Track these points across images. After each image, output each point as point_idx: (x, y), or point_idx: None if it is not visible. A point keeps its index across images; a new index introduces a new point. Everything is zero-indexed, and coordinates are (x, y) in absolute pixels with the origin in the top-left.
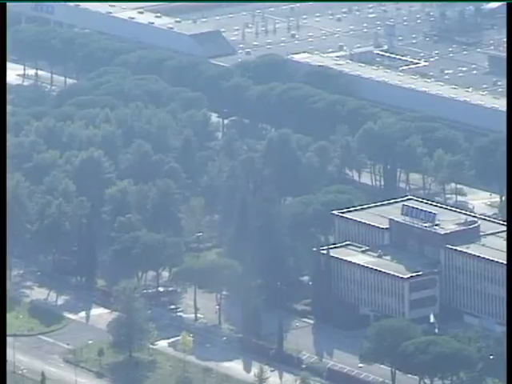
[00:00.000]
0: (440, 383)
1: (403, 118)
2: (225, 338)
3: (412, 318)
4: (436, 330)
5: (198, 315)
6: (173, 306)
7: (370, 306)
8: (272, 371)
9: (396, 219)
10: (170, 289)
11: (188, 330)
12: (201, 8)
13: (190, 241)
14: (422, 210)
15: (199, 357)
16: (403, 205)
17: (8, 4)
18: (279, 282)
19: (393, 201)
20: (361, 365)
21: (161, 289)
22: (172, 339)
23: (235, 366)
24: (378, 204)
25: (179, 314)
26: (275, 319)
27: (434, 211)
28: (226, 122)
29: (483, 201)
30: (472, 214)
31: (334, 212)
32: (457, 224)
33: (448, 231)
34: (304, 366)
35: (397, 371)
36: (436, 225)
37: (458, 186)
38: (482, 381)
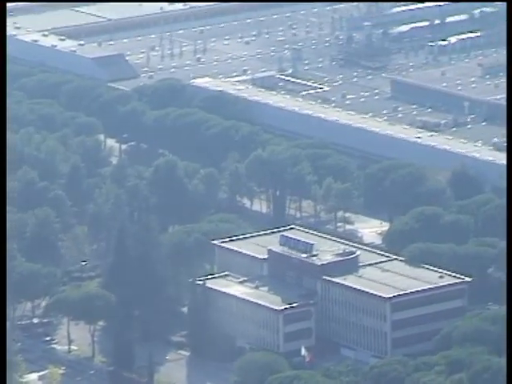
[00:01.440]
0: None
1: (295, 145)
2: (92, 372)
3: (287, 351)
4: (307, 364)
5: (72, 347)
6: (48, 338)
7: (247, 338)
8: None
9: (274, 249)
10: (45, 320)
11: (60, 362)
12: (109, 30)
13: (74, 270)
14: (299, 240)
15: None
16: (281, 235)
17: None
18: (158, 313)
19: (275, 230)
20: None
21: (35, 320)
22: (42, 372)
23: None
24: (261, 233)
25: (53, 345)
26: (150, 351)
27: (311, 241)
28: (124, 147)
29: (373, 229)
30: (352, 244)
31: (214, 242)
32: (335, 254)
33: (325, 262)
34: None
35: None
36: (314, 255)
37: (349, 215)
38: None
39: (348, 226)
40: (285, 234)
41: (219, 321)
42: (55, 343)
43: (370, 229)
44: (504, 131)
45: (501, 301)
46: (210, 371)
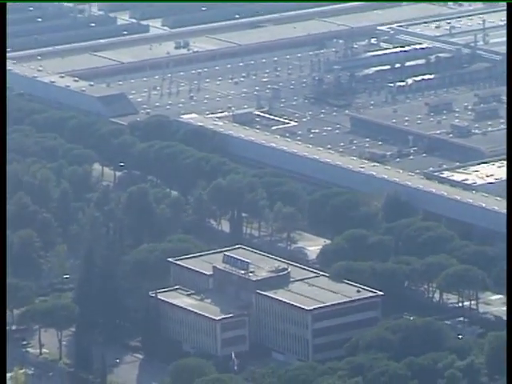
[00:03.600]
0: None
1: (253, 174)
2: (51, 374)
3: (224, 355)
4: (235, 367)
5: (44, 350)
6: (24, 342)
7: (191, 343)
8: None
9: (218, 266)
10: (22, 327)
11: (31, 363)
12: (120, 72)
13: (57, 282)
14: (238, 258)
15: None
16: (224, 254)
17: None
18: (118, 321)
19: (224, 249)
20: None
21: (13, 327)
22: (11, 373)
23: None
24: (211, 252)
25: (28, 349)
26: (110, 354)
27: (248, 260)
28: (119, 174)
29: (318, 247)
30: (287, 262)
31: (169, 259)
32: (269, 271)
33: (260, 278)
34: None
35: None
36: (251, 272)
37: (297, 235)
38: None
39: (297, 244)
40: (228, 253)
41: (168, 328)
42: (30, 347)
43: (316, 247)
44: (440, 161)
45: (415, 311)
46: (158, 372)
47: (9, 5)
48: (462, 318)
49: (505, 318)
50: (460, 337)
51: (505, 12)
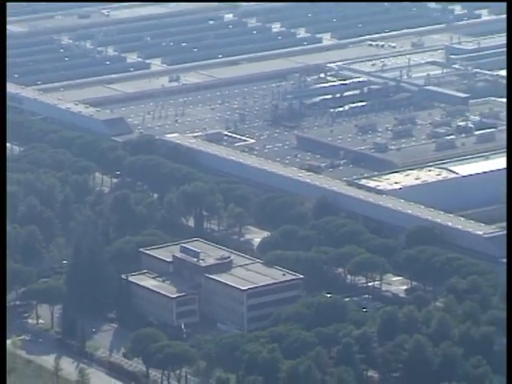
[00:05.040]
0: (172, 374)
1: (214, 181)
2: (41, 340)
3: (179, 325)
4: (184, 335)
5: (40, 321)
6: (26, 315)
7: (154, 316)
8: (73, 363)
9: (176, 255)
10: (24, 302)
11: (29, 331)
12: (124, 100)
13: (57, 266)
14: (191, 249)
15: (28, 352)
16: (181, 245)
17: None
18: (99, 297)
19: (184, 241)
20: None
21: (17, 302)
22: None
23: (49, 359)
24: (172, 244)
25: (28, 320)
26: (92, 324)
27: (198, 250)
28: (115, 181)
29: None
30: (231, 251)
31: (140, 249)
32: (216, 259)
33: (208, 264)
34: (95, 359)
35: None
36: (201, 259)
37: (245, 229)
38: (201, 374)
39: (245, 237)
40: (185, 244)
41: (137, 303)
42: (30, 318)
43: (260, 239)
44: (363, 171)
45: (332, 290)
46: (127, 339)
47: (43, 47)
48: (367, 296)
49: (401, 295)
50: (365, 310)
51: (427, 52)
